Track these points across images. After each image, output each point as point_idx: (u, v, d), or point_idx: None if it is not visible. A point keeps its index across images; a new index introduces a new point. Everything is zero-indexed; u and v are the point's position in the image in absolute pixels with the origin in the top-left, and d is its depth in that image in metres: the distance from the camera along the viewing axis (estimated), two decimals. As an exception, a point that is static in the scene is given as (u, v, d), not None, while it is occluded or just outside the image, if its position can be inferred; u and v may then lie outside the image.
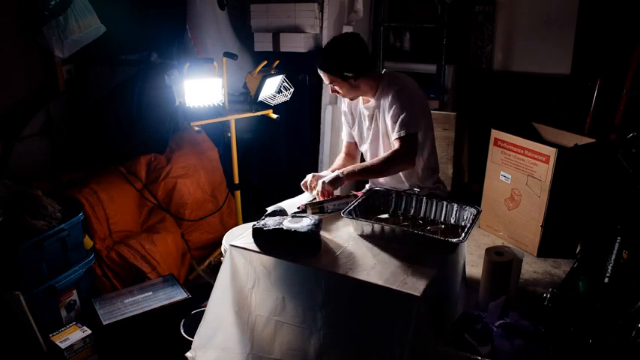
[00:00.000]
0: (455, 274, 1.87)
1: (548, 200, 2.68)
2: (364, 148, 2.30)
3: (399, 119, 2.03)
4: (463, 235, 1.65)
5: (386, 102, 2.08)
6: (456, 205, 1.87)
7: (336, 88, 2.12)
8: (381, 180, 2.24)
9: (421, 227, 1.82)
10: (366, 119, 2.22)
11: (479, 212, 1.79)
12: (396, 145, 2.04)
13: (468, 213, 1.81)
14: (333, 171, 2.15)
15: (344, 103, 2.32)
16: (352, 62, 2.04)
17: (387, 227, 1.71)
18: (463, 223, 1.82)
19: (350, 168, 2.05)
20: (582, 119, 3.09)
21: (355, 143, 2.36)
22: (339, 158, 2.36)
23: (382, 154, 2.14)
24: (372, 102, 2.17)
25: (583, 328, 1.81)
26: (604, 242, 1.89)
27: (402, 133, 2.02)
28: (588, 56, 3.15)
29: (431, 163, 2.24)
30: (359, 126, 2.29)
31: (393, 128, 2.05)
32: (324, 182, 1.96)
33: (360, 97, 2.22)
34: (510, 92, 3.46)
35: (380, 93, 2.12)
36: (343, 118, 2.36)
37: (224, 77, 2.50)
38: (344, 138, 2.40)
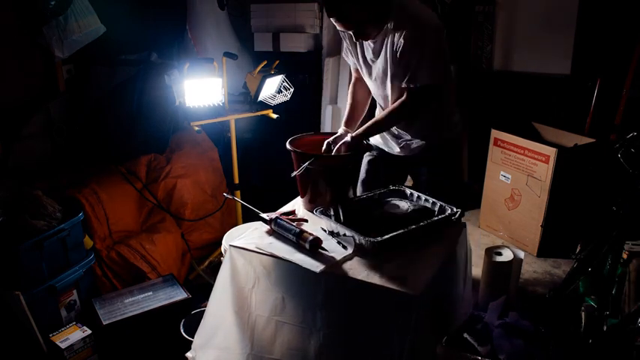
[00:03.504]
0: (456, 274, 1.87)
1: (548, 200, 2.68)
2: (370, 84, 2.07)
3: (411, 69, 1.78)
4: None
5: (397, 39, 1.78)
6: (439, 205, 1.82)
7: (368, 31, 1.77)
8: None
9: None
10: (371, 53, 1.92)
11: (453, 213, 1.74)
12: (403, 95, 1.84)
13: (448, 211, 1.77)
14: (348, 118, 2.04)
15: (345, 40, 2.03)
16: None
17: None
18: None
19: (361, 130, 1.88)
20: (582, 119, 3.10)
21: None
22: (352, 85, 2.15)
23: (388, 93, 1.95)
24: (377, 42, 1.86)
25: (583, 328, 1.81)
26: (604, 242, 1.89)
27: (413, 84, 1.80)
28: (588, 56, 3.15)
29: (445, 111, 2.02)
30: (364, 61, 2.00)
31: (403, 75, 1.81)
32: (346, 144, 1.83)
33: None
34: (510, 92, 3.46)
35: (392, 26, 1.79)
36: (347, 52, 2.08)
37: (224, 77, 2.50)
38: (352, 67, 2.16)
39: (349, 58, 2.09)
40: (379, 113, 2.02)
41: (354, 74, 2.17)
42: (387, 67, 1.88)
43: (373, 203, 1.90)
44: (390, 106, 1.91)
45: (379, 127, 1.95)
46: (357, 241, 1.62)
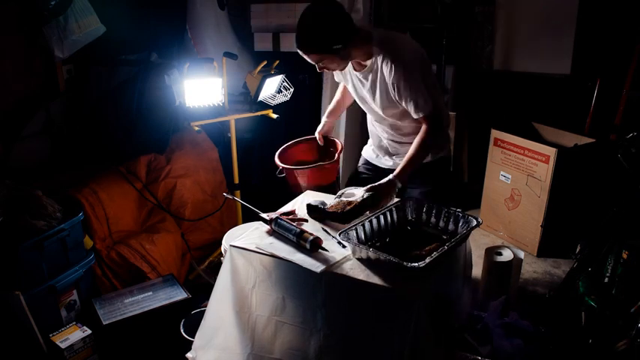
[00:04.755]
0: (456, 274, 1.87)
1: (548, 200, 2.68)
2: (367, 107, 2.17)
3: (413, 102, 1.91)
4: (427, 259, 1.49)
5: (387, 74, 1.91)
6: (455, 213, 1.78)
7: (326, 65, 1.93)
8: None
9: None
10: (366, 84, 2.04)
11: (478, 224, 1.70)
12: (422, 124, 1.96)
13: (464, 223, 1.74)
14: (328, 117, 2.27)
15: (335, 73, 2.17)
16: (338, 31, 1.84)
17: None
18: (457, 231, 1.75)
19: (400, 168, 1.92)
20: (582, 119, 3.10)
21: None
22: (337, 99, 2.37)
23: (380, 112, 2.07)
24: (368, 67, 1.98)
25: (583, 328, 1.81)
26: (604, 242, 1.89)
27: (421, 115, 1.93)
28: (588, 56, 3.15)
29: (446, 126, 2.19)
30: (355, 89, 2.13)
31: (409, 109, 1.94)
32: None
33: (350, 64, 2.03)
34: (510, 92, 3.46)
35: (377, 59, 1.93)
36: (337, 74, 2.21)
37: (224, 77, 2.50)
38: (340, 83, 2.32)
39: (337, 76, 2.23)
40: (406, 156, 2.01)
41: (340, 91, 2.35)
42: (377, 95, 2.01)
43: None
44: (417, 141, 1.96)
45: (415, 163, 1.96)
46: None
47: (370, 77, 2.00)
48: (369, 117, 2.28)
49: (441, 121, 1.99)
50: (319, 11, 1.86)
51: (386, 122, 2.14)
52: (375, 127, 2.25)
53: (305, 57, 1.92)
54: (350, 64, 2.03)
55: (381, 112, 2.08)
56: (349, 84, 2.15)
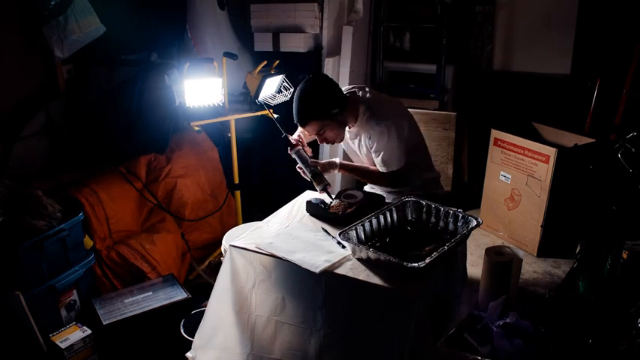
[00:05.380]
0: (455, 274, 1.87)
1: (548, 200, 2.68)
2: (358, 159, 2.33)
3: (380, 157, 2.10)
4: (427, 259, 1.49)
5: (367, 135, 2.10)
6: (455, 213, 1.78)
7: (327, 135, 2.08)
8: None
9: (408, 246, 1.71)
10: (355, 141, 2.22)
11: (478, 224, 1.70)
12: (383, 175, 2.15)
13: (464, 223, 1.73)
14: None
15: None
16: (334, 96, 2.02)
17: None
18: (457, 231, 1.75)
19: (347, 163, 2.22)
20: (582, 119, 3.10)
21: None
22: None
23: (363, 158, 2.26)
24: (354, 128, 2.15)
25: (583, 328, 1.81)
26: (604, 242, 1.89)
27: (384, 170, 2.12)
28: (588, 56, 3.15)
29: (425, 174, 2.26)
30: (348, 144, 2.30)
31: (376, 161, 2.14)
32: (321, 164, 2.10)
33: None
34: (510, 92, 3.46)
35: (361, 121, 2.10)
36: None
37: (224, 77, 2.50)
38: None
39: None
40: (362, 165, 2.29)
41: None
42: (364, 150, 2.20)
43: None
44: (375, 173, 2.18)
45: (360, 175, 2.25)
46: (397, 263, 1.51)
47: (356, 134, 2.17)
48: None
49: (399, 182, 2.16)
50: (314, 83, 2.04)
51: (363, 160, 2.30)
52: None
53: (305, 130, 2.10)
54: None
55: (369, 164, 2.24)
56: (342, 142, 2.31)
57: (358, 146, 2.22)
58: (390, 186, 2.22)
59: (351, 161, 2.35)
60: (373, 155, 2.13)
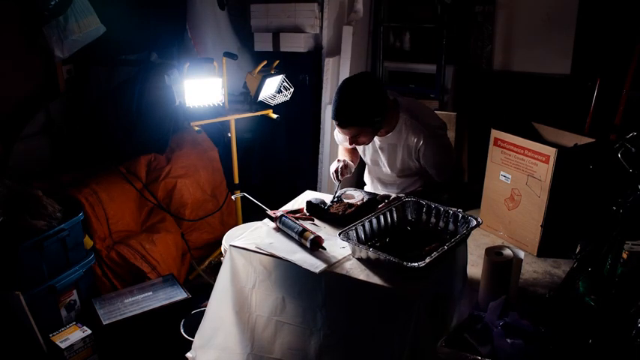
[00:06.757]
0: (455, 274, 1.87)
1: (548, 200, 2.68)
2: (378, 169, 2.28)
3: (443, 168, 2.10)
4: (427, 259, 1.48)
5: (415, 142, 2.03)
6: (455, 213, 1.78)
7: (360, 139, 1.97)
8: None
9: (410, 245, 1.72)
10: (385, 149, 2.14)
11: (478, 224, 1.71)
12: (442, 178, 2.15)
13: (464, 223, 1.73)
14: (339, 160, 2.14)
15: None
16: (379, 104, 1.90)
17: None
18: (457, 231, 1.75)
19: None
20: (582, 119, 3.09)
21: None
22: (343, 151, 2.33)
23: (388, 171, 2.20)
24: (391, 135, 2.07)
25: (583, 328, 1.81)
26: (604, 242, 1.89)
27: (442, 178, 2.13)
28: (588, 56, 3.15)
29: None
30: (370, 154, 2.23)
31: (436, 173, 2.11)
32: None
33: None
34: (510, 92, 3.45)
35: (402, 128, 2.03)
36: (340, 137, 2.26)
37: (224, 77, 2.50)
38: (341, 144, 2.34)
39: (338, 137, 2.28)
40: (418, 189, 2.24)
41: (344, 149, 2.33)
42: (401, 160, 2.13)
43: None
44: (434, 192, 2.11)
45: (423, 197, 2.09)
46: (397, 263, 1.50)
47: (391, 142, 2.08)
48: (372, 176, 2.37)
49: (462, 180, 2.16)
50: (363, 86, 1.89)
51: (392, 183, 2.26)
52: (374, 182, 2.37)
53: (340, 130, 1.96)
54: None
55: (393, 174, 2.19)
56: (360, 148, 2.22)
57: (388, 153, 2.13)
58: (451, 188, 2.21)
59: (352, 161, 2.30)
60: (429, 169, 2.10)
